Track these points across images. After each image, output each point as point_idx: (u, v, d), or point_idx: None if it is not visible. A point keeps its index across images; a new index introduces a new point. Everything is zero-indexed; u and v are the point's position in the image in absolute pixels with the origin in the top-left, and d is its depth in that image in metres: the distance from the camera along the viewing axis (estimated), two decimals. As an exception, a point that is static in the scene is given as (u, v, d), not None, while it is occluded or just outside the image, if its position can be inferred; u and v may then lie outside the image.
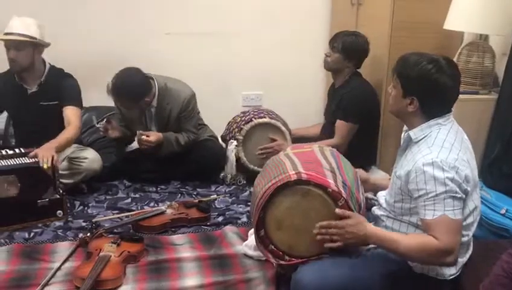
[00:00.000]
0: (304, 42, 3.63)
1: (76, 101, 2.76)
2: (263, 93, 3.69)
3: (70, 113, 2.69)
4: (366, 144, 2.91)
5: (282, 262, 1.79)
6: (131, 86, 2.75)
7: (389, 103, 1.80)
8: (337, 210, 1.70)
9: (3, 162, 2.38)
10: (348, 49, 2.84)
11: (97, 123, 2.97)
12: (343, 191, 1.72)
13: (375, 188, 2.03)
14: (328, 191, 1.71)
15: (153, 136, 2.84)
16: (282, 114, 3.16)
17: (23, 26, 2.58)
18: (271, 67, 3.62)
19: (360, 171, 2.02)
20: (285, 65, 3.64)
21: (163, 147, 2.90)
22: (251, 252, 2.06)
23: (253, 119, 3.03)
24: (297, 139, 3.00)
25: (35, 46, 2.64)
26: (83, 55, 3.21)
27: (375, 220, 1.84)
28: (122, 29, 3.32)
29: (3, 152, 2.49)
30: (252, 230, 2.02)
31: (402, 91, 1.69)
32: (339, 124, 2.87)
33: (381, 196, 1.88)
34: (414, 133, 1.71)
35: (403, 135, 1.82)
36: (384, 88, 2.92)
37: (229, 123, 3.23)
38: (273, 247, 1.78)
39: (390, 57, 2.87)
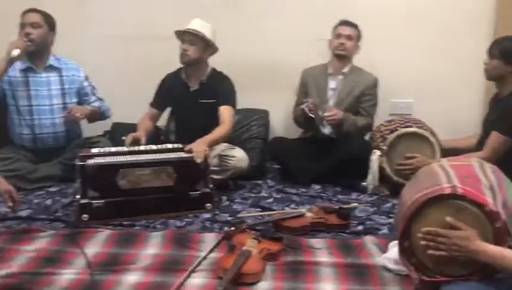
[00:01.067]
0: (460, 49, 3.44)
1: (231, 102, 2.99)
2: (414, 101, 3.54)
3: (225, 113, 2.92)
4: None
5: (424, 278, 1.70)
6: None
7: None
8: (448, 218, 1.61)
9: (164, 155, 2.61)
10: (506, 53, 2.61)
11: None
12: (502, 212, 1.58)
13: None
14: (484, 210, 1.59)
15: (335, 111, 3.07)
16: (433, 124, 3.00)
17: (200, 25, 2.92)
18: (424, 74, 3.47)
19: None
20: (439, 73, 3.46)
21: (344, 126, 3.09)
22: (391, 266, 1.98)
23: (398, 128, 2.92)
24: (447, 151, 2.81)
25: (206, 45, 2.93)
26: (240, 60, 3.43)
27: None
28: (276, 36, 3.47)
29: (164, 146, 2.73)
30: (393, 243, 1.96)
31: None
32: (493, 135, 2.62)
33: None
34: None
35: None
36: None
37: (372, 132, 3.16)
38: (416, 261, 1.70)
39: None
